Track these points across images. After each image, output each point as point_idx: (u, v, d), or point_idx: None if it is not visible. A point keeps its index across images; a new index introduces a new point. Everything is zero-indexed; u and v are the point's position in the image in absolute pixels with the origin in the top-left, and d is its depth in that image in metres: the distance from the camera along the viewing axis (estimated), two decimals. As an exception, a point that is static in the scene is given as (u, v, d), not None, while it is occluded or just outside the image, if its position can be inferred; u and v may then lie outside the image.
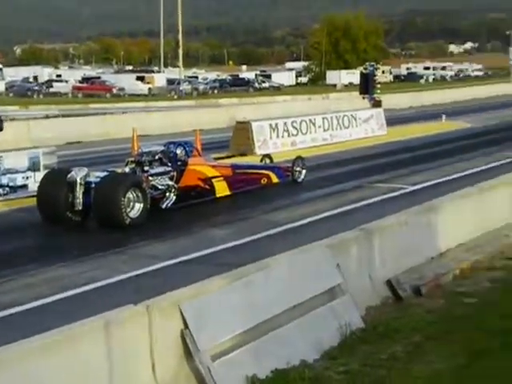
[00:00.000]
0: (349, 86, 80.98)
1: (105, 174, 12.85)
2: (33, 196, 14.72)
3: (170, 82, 76.87)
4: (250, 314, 6.38)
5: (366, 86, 37.55)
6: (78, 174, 12.54)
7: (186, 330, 5.85)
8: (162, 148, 14.29)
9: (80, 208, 12.48)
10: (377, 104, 35.15)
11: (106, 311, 5.63)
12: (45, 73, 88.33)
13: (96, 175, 12.73)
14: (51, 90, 72.85)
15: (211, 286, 6.46)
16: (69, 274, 9.83)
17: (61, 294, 8.91)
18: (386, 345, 6.93)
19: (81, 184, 12.46)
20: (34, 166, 15.58)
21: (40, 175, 15.41)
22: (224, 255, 10.71)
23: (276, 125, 23.67)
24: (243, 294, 6.48)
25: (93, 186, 12.48)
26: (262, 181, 16.13)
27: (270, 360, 6.29)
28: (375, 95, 37.23)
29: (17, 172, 15.31)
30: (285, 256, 7.57)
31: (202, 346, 5.82)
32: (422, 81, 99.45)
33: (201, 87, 76.96)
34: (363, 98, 37.79)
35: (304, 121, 24.83)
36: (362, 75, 38.81)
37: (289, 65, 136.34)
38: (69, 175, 12.59)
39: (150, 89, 75.36)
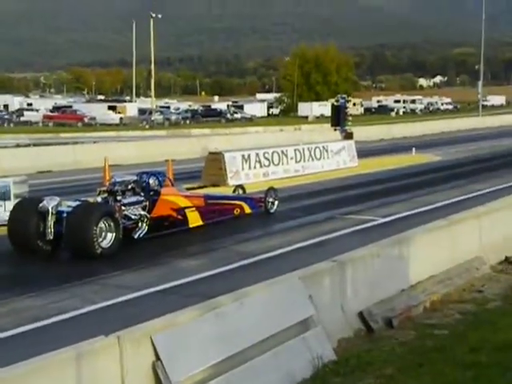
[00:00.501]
0: (320, 118, 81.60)
1: (77, 203, 12.81)
2: (3, 225, 14.62)
3: (142, 111, 77.06)
4: (223, 346, 6.36)
5: (338, 117, 37.84)
6: (49, 204, 12.48)
7: (157, 361, 5.81)
8: (135, 178, 14.25)
9: (51, 237, 12.41)
10: (348, 136, 35.45)
11: (77, 343, 5.57)
12: (15, 102, 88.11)
13: (68, 204, 12.68)
14: (22, 118, 72.64)
15: (183, 317, 6.42)
16: (38, 305, 9.69)
17: (29, 326, 8.79)
18: (357, 377, 6.93)
19: (52, 213, 12.41)
20: (4, 196, 15.43)
21: (10, 204, 15.27)
22: (196, 286, 10.68)
23: (248, 156, 23.74)
24: (216, 325, 6.46)
25: (64, 215, 12.41)
26: (235, 211, 16.17)
27: (243, 392, 6.26)
28: (347, 127, 37.54)
29: (-14, 201, 15.15)
30: (257, 287, 7.56)
31: (174, 378, 5.78)
32: (393, 113, 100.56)
33: (173, 117, 77.05)
34: (335, 129, 38.07)
35: (276, 152, 24.94)
36: (334, 107, 39.09)
37: (260, 96, 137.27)
38: (40, 204, 12.53)
39: (121, 118, 75.31)
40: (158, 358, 5.81)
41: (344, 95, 41.96)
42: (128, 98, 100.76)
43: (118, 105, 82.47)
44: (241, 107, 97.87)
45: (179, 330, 6.15)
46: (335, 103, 39.38)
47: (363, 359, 7.37)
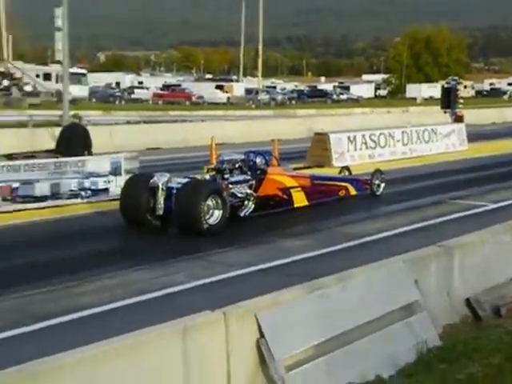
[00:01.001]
0: (429, 100, 79.96)
1: (186, 180, 12.99)
2: (114, 199, 15.07)
3: (249, 91, 77.46)
4: (326, 326, 6.36)
5: (448, 100, 36.99)
6: (159, 180, 12.73)
7: (261, 338, 5.86)
8: (242, 157, 14.38)
9: (161, 213, 12.66)
10: (458, 119, 34.58)
11: (182, 316, 5.68)
12: (127, 79, 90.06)
13: (177, 181, 12.89)
14: (133, 96, 74.17)
15: (287, 296, 6.46)
16: (146, 278, 9.94)
17: (136, 298, 9.03)
18: (463, 364, 6.79)
19: (162, 189, 12.65)
20: (115, 171, 15.87)
21: (121, 179, 15.72)
22: (299, 265, 10.69)
23: (354, 137, 23.51)
24: (319, 305, 6.47)
25: (174, 191, 12.62)
26: (341, 193, 16.08)
27: (345, 374, 6.26)
28: (457, 110, 36.67)
29: (99, 176, 15.61)
30: (362, 270, 7.52)
31: (277, 355, 5.83)
32: (506, 97, 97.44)
33: (279, 97, 77.13)
34: (444, 112, 37.26)
35: (383, 134, 24.59)
36: (444, 89, 38.24)
37: (366, 77, 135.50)
38: (151, 180, 12.80)
39: (228, 98, 75.98)
40: (262, 335, 5.86)
41: (455, 77, 41.00)
42: (235, 77, 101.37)
43: (225, 84, 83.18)
44: (347, 88, 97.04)
45: (283, 308, 6.18)
46: (446, 85, 38.53)
47: (469, 346, 7.21)
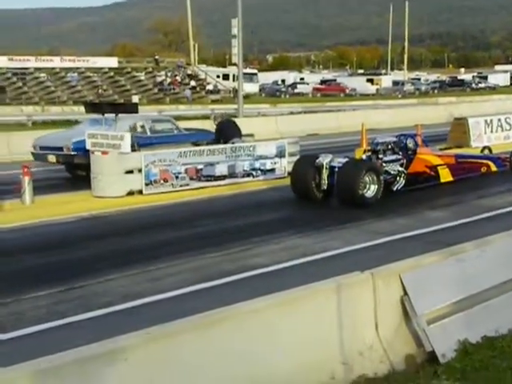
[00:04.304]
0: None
1: (346, 159, 13.06)
2: (280, 178, 15.29)
3: (395, 83, 75.76)
4: (463, 287, 6.15)
5: None
6: (324, 159, 12.91)
7: (405, 296, 5.77)
8: (395, 139, 14.25)
9: (325, 188, 12.83)
10: None
11: (336, 276, 5.68)
12: (290, 77, 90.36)
13: (338, 160, 12.97)
14: (295, 91, 74.47)
15: (428, 259, 6.30)
16: (306, 244, 10.01)
17: (299, 260, 9.12)
18: None
19: (326, 168, 12.80)
20: (280, 154, 16.06)
21: (285, 161, 15.91)
22: (440, 234, 10.40)
23: (491, 121, 22.54)
24: (458, 268, 6.26)
25: (336, 169, 12.74)
26: (482, 169, 15.61)
27: (480, 328, 6.03)
28: None
29: (267, 158, 15.85)
30: (498, 236, 7.20)
31: (419, 310, 5.72)
32: None
33: (423, 88, 74.97)
34: None
35: (517, 117, 23.36)
36: None
37: (498, 67, 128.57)
38: (317, 160, 12.99)
39: (377, 89, 74.70)
40: (405, 293, 5.76)
41: None
42: (384, 71, 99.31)
43: (375, 77, 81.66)
44: (485, 77, 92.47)
45: (424, 270, 6.04)
46: None
47: None
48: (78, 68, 57.94)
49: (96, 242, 10.42)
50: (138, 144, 14.90)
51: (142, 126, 16.29)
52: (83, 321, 6.96)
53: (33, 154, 16.82)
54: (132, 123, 16.13)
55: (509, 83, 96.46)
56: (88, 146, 14.29)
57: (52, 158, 16.33)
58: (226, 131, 16.42)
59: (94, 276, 8.40)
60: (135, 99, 47.29)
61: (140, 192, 13.91)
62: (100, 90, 54.58)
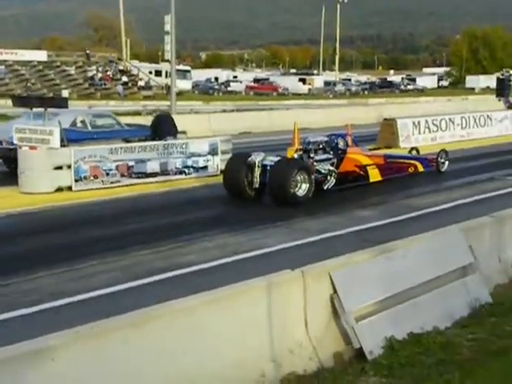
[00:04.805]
0: (486, 90, 77.31)
1: (278, 158, 13.13)
2: (212, 175, 15.25)
3: (327, 83, 76.81)
4: (390, 285, 6.29)
5: (502, 89, 35.78)
6: (256, 158, 12.96)
7: (334, 294, 5.86)
8: (326, 138, 14.42)
9: (257, 186, 12.89)
10: (511, 106, 33.47)
11: (267, 274, 5.71)
12: (224, 75, 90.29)
13: (270, 159, 13.03)
14: (229, 88, 74.51)
15: (357, 258, 6.42)
16: (238, 242, 10.03)
17: (230, 258, 9.13)
18: (511, 318, 6.62)
19: (258, 166, 12.85)
20: (213, 151, 16.05)
21: (217, 159, 15.89)
22: (369, 232, 10.60)
23: (418, 122, 23.13)
24: (385, 266, 6.40)
25: (268, 168, 12.80)
26: (410, 169, 15.97)
27: (407, 325, 6.19)
28: (510, 98, 35.40)
29: (199, 156, 15.80)
30: (422, 236, 7.41)
31: (348, 308, 5.81)
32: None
33: (353, 88, 76.35)
34: (499, 100, 36.03)
35: (444, 119, 24.09)
36: (499, 80, 37.01)
37: (426, 70, 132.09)
38: (249, 158, 13.02)
39: (309, 89, 75.52)
40: (335, 290, 5.85)
41: (508, 69, 39.54)
42: (316, 71, 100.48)
43: (307, 77, 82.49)
44: (413, 80, 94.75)
45: (353, 268, 6.15)
46: (500, 76, 37.28)
47: (517, 303, 7.02)
48: (5, 61, 56.30)
49: (23, 239, 10.16)
50: (78, 140, 14.66)
51: (83, 121, 16.01)
52: (8, 320, 6.77)
53: None
54: (72, 118, 15.85)
55: (436, 86, 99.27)
56: (15, 141, 13.91)
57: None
58: (162, 127, 16.29)
59: (21, 274, 8.19)
60: (65, 94, 46.31)
61: (69, 188, 13.63)
62: (28, 84, 53.19)
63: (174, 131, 16.52)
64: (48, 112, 14.43)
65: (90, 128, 15.95)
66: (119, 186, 14.19)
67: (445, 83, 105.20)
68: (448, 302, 6.73)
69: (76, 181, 13.68)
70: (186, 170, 15.53)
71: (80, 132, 15.38)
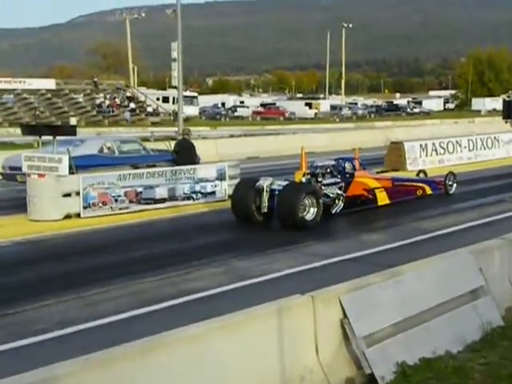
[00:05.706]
0: (492, 112, 77.36)
1: (286, 182, 13.11)
2: (220, 201, 15.24)
3: (333, 107, 77.08)
4: (401, 309, 6.22)
5: (509, 111, 35.73)
6: (264, 182, 12.94)
7: (345, 319, 5.79)
8: (333, 162, 14.44)
9: (265, 210, 12.84)
10: (518, 127, 33.39)
11: (277, 299, 5.65)
12: (230, 100, 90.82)
13: (278, 183, 13.01)
14: (235, 114, 74.83)
15: (367, 282, 6.35)
16: (247, 267, 9.98)
17: (239, 283, 9.05)
18: (524, 343, 6.53)
19: (267, 191, 12.82)
20: (221, 177, 16.06)
21: (225, 184, 15.89)
22: (378, 256, 10.52)
23: (425, 145, 23.17)
24: (395, 290, 6.33)
25: (276, 192, 12.77)
26: (418, 192, 15.88)
27: (418, 349, 6.10)
28: (517, 119, 35.36)
29: (207, 181, 15.82)
30: (433, 259, 7.34)
31: (358, 333, 5.74)
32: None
33: (360, 112, 76.48)
34: (505, 122, 35.93)
35: (451, 142, 24.11)
36: (505, 102, 36.96)
37: (432, 93, 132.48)
38: (257, 183, 13.00)
39: (316, 113, 75.80)
40: (345, 315, 5.78)
41: (515, 91, 39.67)
42: (322, 95, 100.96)
43: (313, 102, 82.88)
44: (419, 103, 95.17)
45: (363, 292, 6.08)
46: (506, 98, 37.41)
47: (529, 326, 6.92)
48: (14, 90, 56.80)
49: (31, 266, 10.12)
50: (106, 165, 15.13)
51: (110, 147, 16.32)
52: (14, 349, 6.71)
53: (1, 174, 17.35)
54: (100, 144, 16.33)
55: (442, 108, 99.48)
56: (24, 169, 13.98)
57: (21, 178, 16.03)
58: (183, 153, 16.37)
59: (29, 302, 8.15)
60: (73, 121, 46.59)
61: (78, 215, 13.64)
62: (37, 112, 53.59)
63: (198, 158, 16.68)
64: (75, 139, 14.77)
65: (117, 153, 16.23)
66: (128, 213, 14.18)
67: (451, 106, 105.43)
68: (459, 325, 6.64)
69: (84, 208, 13.69)
70: (194, 196, 15.52)
71: (107, 158, 15.86)
